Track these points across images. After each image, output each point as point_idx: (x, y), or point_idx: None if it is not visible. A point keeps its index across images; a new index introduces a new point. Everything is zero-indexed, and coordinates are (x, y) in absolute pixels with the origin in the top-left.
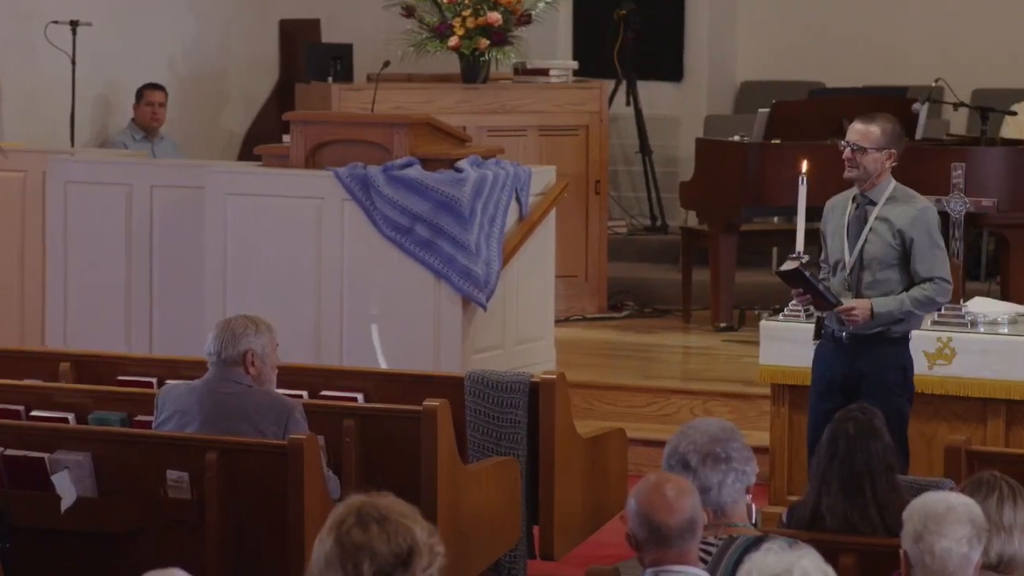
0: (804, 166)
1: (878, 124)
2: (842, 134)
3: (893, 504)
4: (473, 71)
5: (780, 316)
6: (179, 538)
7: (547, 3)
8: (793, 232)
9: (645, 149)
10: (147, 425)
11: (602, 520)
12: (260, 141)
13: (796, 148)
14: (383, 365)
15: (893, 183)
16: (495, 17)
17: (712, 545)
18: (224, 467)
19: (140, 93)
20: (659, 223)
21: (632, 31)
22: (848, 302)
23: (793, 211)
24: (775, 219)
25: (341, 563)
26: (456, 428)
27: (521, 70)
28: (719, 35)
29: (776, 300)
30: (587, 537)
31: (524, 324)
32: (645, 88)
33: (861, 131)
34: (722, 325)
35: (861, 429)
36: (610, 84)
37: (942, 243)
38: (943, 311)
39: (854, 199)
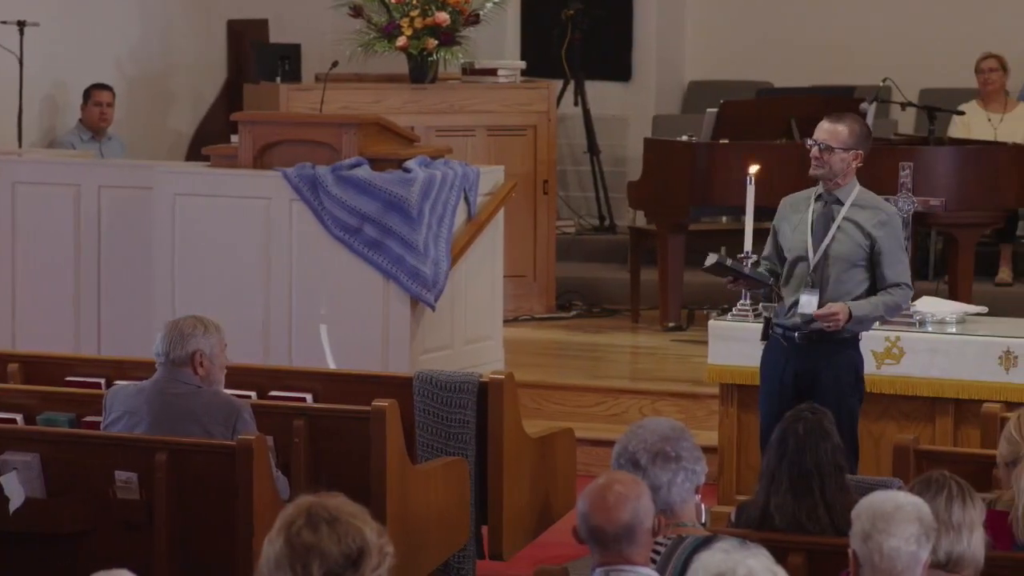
0: (752, 166)
1: (846, 124)
2: (790, 134)
3: (842, 504)
4: (421, 71)
5: (728, 316)
6: (128, 539)
7: (495, 3)
8: (741, 232)
9: (593, 149)
10: (96, 426)
11: (551, 520)
12: (208, 141)
13: (744, 148)
14: (332, 365)
15: (859, 186)
16: (443, 17)
17: (661, 545)
18: (173, 468)
19: (88, 93)
20: (607, 223)
21: (580, 31)
22: (828, 306)
23: (741, 211)
24: (723, 219)
25: (291, 564)
26: (405, 428)
27: (469, 70)
28: (667, 35)
29: (724, 300)
30: (536, 537)
31: (473, 324)
32: (593, 88)
33: (829, 130)
34: (671, 325)
35: (811, 429)
36: (558, 84)
37: (904, 249)
38: None
39: (819, 197)
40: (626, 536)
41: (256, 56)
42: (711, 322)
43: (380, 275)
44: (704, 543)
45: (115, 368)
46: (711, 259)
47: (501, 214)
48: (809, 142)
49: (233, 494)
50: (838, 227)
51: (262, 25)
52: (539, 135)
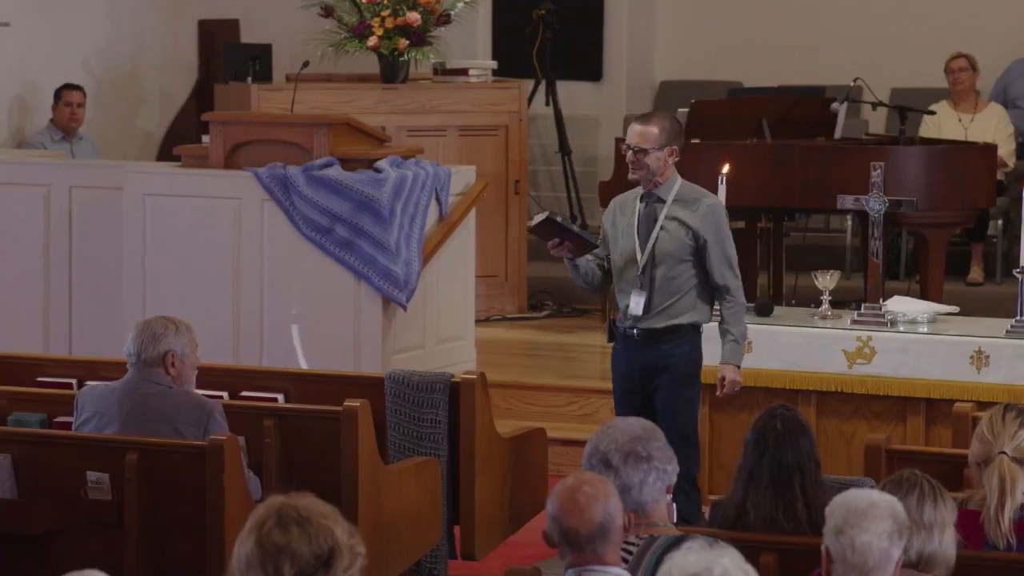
0: (724, 166)
1: (655, 123)
2: (761, 133)
3: (819, 500)
4: (392, 71)
5: None
6: (99, 539)
7: (466, 3)
8: None
9: (565, 149)
10: (67, 426)
11: (523, 520)
12: (179, 141)
13: (715, 147)
14: (303, 365)
15: (679, 180)
16: (414, 17)
17: (633, 544)
18: (144, 468)
19: (58, 93)
20: (579, 223)
21: (551, 31)
22: (722, 375)
23: None
24: None
25: (262, 564)
26: (377, 428)
27: (440, 70)
28: (638, 35)
29: None
30: (508, 537)
31: (444, 324)
32: (564, 88)
33: (640, 132)
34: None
35: (789, 425)
36: (529, 84)
37: (730, 238)
38: (863, 310)
39: (642, 198)
40: (600, 536)
41: (227, 56)
42: None
43: (352, 275)
44: (675, 543)
45: (86, 368)
46: (539, 217)
47: (473, 214)
48: (623, 147)
49: (204, 494)
50: (661, 226)
51: (233, 25)
52: (511, 135)
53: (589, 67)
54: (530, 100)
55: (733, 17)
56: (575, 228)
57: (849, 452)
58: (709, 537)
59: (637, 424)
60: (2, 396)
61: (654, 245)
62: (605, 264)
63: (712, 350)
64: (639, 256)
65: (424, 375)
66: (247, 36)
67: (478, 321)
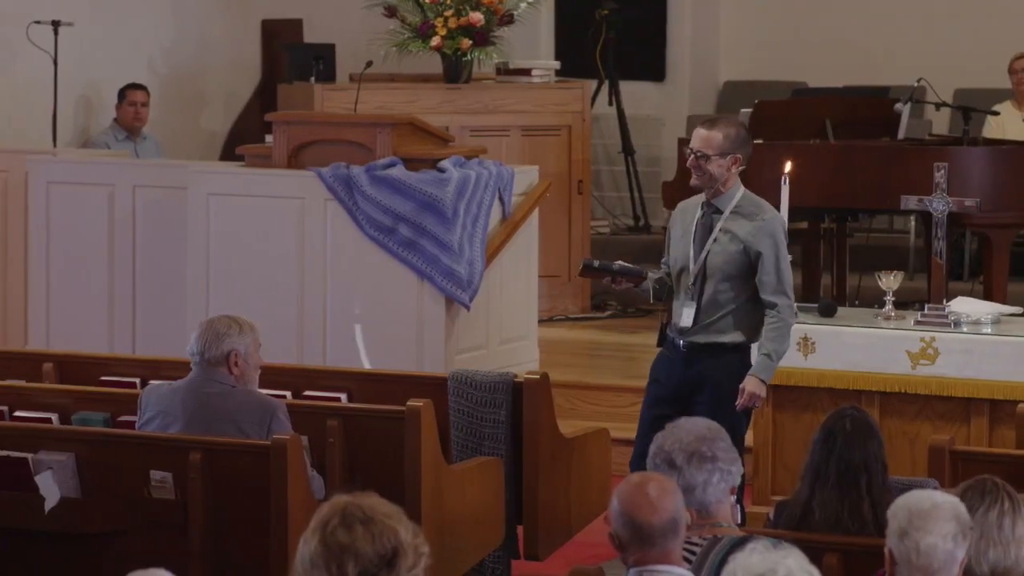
0: (787, 166)
1: (720, 129)
2: (824, 134)
3: (885, 502)
4: (455, 71)
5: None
6: (162, 539)
7: (529, 3)
8: None
9: (628, 149)
10: (130, 425)
11: (586, 520)
12: (242, 141)
13: (779, 148)
14: (366, 365)
15: (741, 191)
16: (477, 17)
17: (696, 545)
18: (207, 467)
19: (122, 93)
20: (642, 223)
21: (614, 31)
22: (743, 386)
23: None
24: None
25: (326, 564)
26: (440, 428)
27: (503, 70)
28: (702, 35)
29: None
30: (571, 537)
31: (507, 324)
32: (627, 88)
33: (703, 137)
34: None
35: (858, 426)
36: (592, 84)
37: (786, 256)
38: (927, 310)
39: (703, 205)
40: (671, 531)
41: (290, 56)
42: None
43: (415, 275)
44: (739, 544)
45: (150, 368)
46: (581, 265)
47: (536, 214)
48: (686, 151)
49: (267, 494)
50: (714, 238)
51: (296, 25)
52: (574, 135)
53: (652, 67)
54: (593, 100)
55: (797, 17)
56: (615, 266)
57: (913, 453)
58: (773, 538)
59: (702, 424)
60: (66, 395)
61: (706, 257)
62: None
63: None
64: (691, 266)
65: (487, 375)
66: (310, 36)
67: (541, 321)
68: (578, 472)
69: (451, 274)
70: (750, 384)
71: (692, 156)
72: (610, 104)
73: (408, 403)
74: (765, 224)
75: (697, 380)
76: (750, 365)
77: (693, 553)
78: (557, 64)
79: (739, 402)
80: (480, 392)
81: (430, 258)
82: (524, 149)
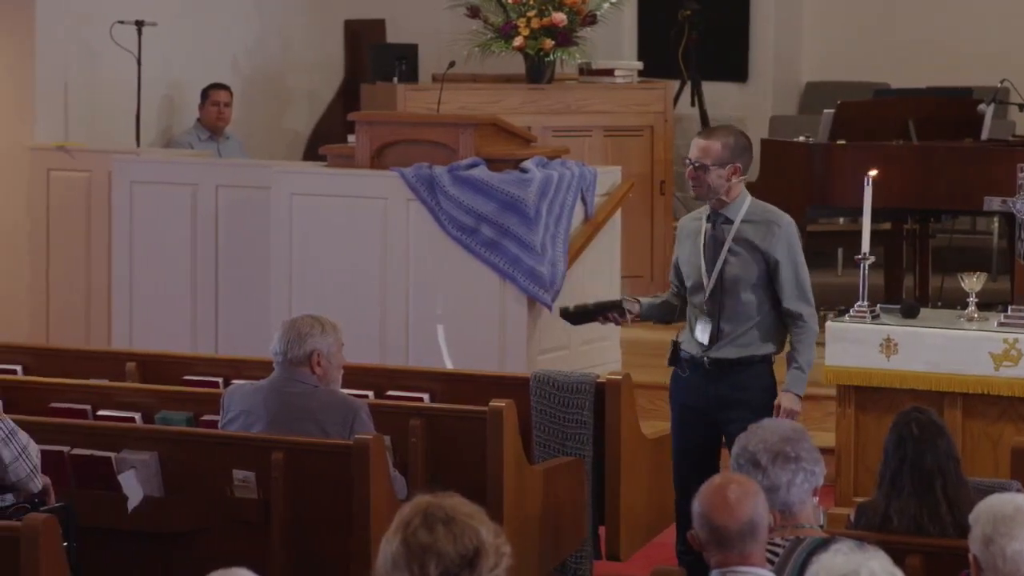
0: (871, 168)
1: (717, 139)
2: (907, 135)
3: (962, 500)
4: (538, 71)
5: (846, 317)
6: (245, 538)
7: (612, 3)
8: (858, 233)
9: None
10: (213, 425)
11: (668, 520)
12: (325, 141)
13: (861, 149)
14: (449, 365)
15: (749, 199)
16: (560, 17)
17: (779, 546)
18: (290, 467)
19: (205, 93)
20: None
21: (697, 31)
22: (778, 403)
23: (858, 212)
24: (840, 220)
25: (407, 563)
26: (522, 428)
27: (586, 70)
28: (784, 35)
29: (842, 301)
30: (653, 537)
31: (590, 325)
32: (710, 89)
33: (701, 147)
34: None
35: (925, 427)
36: (675, 84)
37: (804, 262)
38: (1010, 312)
39: (708, 218)
40: (749, 534)
41: (373, 56)
42: (828, 323)
43: (497, 275)
44: (822, 545)
45: (232, 367)
46: (559, 313)
47: (618, 214)
48: (685, 162)
49: (350, 493)
50: (728, 249)
51: (379, 25)
52: (656, 135)
53: (735, 68)
54: (675, 101)
55: (880, 18)
56: (591, 305)
57: (996, 455)
58: (856, 540)
59: (787, 425)
60: (150, 395)
61: (721, 270)
62: (682, 292)
63: (844, 348)
64: (706, 282)
65: (569, 375)
66: (393, 36)
67: None
68: (660, 472)
69: (533, 274)
70: (786, 400)
71: (690, 167)
72: (692, 105)
73: (490, 403)
74: (781, 231)
75: (727, 397)
76: (774, 376)
77: (776, 554)
78: (640, 64)
79: (776, 419)
80: (562, 393)
81: (512, 258)
82: (606, 149)
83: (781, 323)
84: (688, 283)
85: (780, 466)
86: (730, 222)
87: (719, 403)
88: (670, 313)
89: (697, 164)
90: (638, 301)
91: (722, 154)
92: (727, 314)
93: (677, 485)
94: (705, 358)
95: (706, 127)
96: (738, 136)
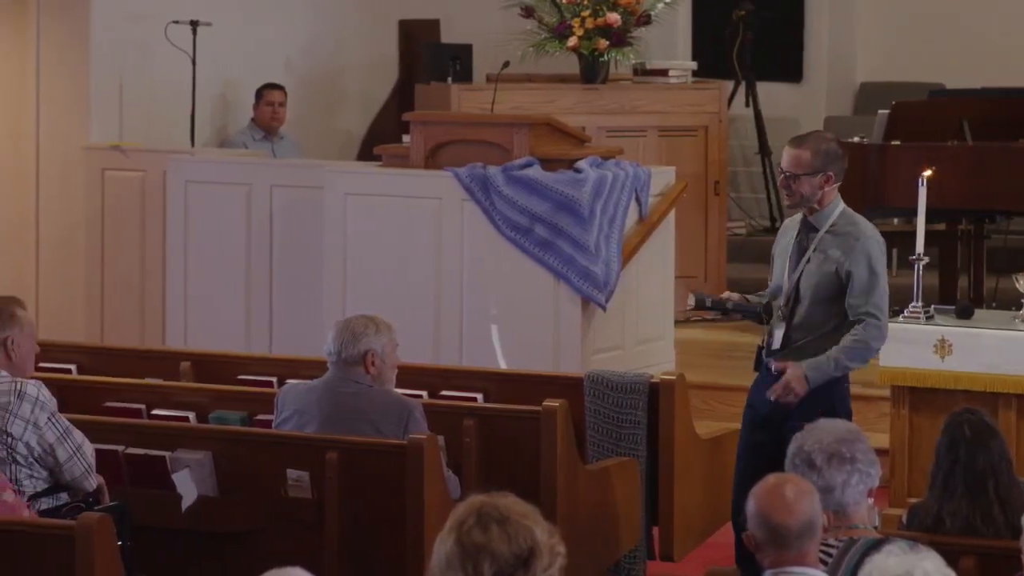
0: (925, 168)
1: (808, 147)
2: (962, 135)
3: (1015, 500)
4: (592, 71)
5: (900, 318)
6: (299, 537)
7: (666, 4)
8: (913, 233)
9: (764, 150)
10: (267, 424)
11: (721, 521)
12: (380, 141)
13: (916, 149)
14: (503, 365)
15: (840, 208)
16: (614, 18)
17: (832, 547)
18: (344, 467)
19: (260, 93)
20: (778, 224)
21: (751, 32)
22: (783, 381)
23: (913, 212)
24: (895, 220)
25: (461, 563)
26: (576, 428)
27: (640, 71)
28: (839, 36)
29: (896, 302)
30: (707, 538)
31: (644, 325)
32: (764, 89)
33: (792, 156)
34: None
35: (977, 429)
36: (729, 85)
37: (883, 277)
38: None
39: (801, 223)
40: (808, 532)
41: (427, 56)
42: None
43: (551, 275)
44: (875, 546)
45: (286, 367)
46: (691, 301)
47: (672, 215)
48: (777, 170)
49: (404, 493)
50: (807, 259)
51: (433, 25)
52: (710, 136)
53: (789, 68)
54: (730, 101)
55: (935, 18)
56: (729, 304)
57: None
58: (909, 540)
59: (842, 426)
60: (204, 394)
61: (799, 278)
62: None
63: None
64: (786, 285)
65: (623, 376)
66: (447, 36)
67: (677, 322)
68: (714, 473)
69: (587, 274)
70: (791, 371)
71: (783, 176)
72: (747, 105)
73: (544, 403)
74: (859, 244)
75: (787, 408)
76: (843, 391)
77: (829, 555)
78: (694, 65)
79: (772, 390)
80: (616, 393)
81: (566, 258)
82: (661, 150)
83: None
84: (775, 286)
85: (836, 467)
86: (816, 231)
87: (781, 411)
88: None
89: (789, 173)
90: (768, 305)
91: (813, 162)
92: (797, 322)
93: (735, 486)
94: (773, 365)
95: (760, 130)
96: (829, 143)
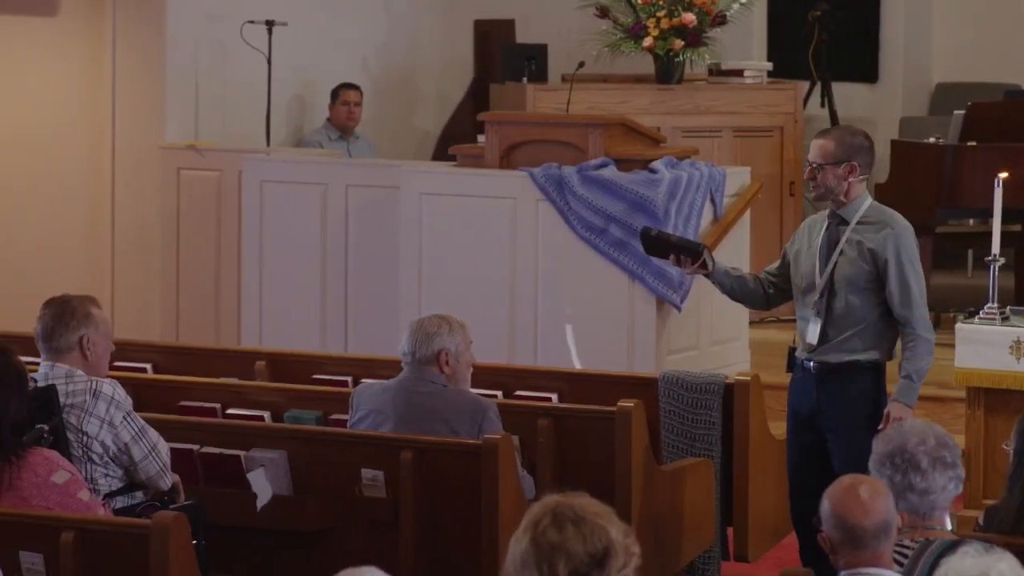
0: (1001, 169)
1: (832, 137)
2: None
3: None
4: (667, 72)
5: (976, 319)
6: (373, 537)
7: (741, 4)
8: (988, 234)
9: None
10: (342, 424)
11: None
12: (455, 141)
13: (992, 150)
14: (577, 365)
15: (868, 201)
16: (690, 18)
17: (908, 548)
18: (419, 466)
19: (336, 93)
20: None
21: (827, 32)
22: (887, 411)
23: (989, 213)
24: (971, 221)
25: (537, 563)
26: (650, 428)
27: (715, 71)
28: (914, 36)
29: (972, 303)
30: (781, 539)
31: (718, 325)
32: (840, 89)
33: (817, 146)
34: None
35: None
36: (804, 85)
37: (918, 267)
38: None
39: (828, 217)
40: (884, 532)
41: (502, 56)
42: (958, 325)
43: (626, 275)
44: (950, 547)
45: (362, 366)
46: (640, 233)
47: (747, 215)
48: (804, 162)
49: (479, 493)
50: (840, 250)
51: (508, 25)
52: (786, 136)
53: (865, 68)
54: (805, 101)
55: (1011, 18)
56: (673, 237)
57: None
58: (985, 542)
59: (939, 430)
60: (279, 393)
61: (833, 270)
62: (770, 281)
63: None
64: (818, 281)
65: (698, 376)
66: (522, 36)
67: (752, 323)
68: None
69: (662, 275)
70: (895, 410)
71: (808, 168)
72: (822, 106)
73: (619, 403)
74: (893, 233)
75: (830, 406)
76: (883, 386)
77: (905, 556)
78: (769, 65)
79: (882, 427)
80: (691, 393)
81: (641, 259)
82: (736, 150)
83: (890, 330)
84: (801, 282)
85: (939, 471)
86: (846, 223)
87: (821, 412)
88: (742, 287)
89: (814, 164)
90: (716, 263)
91: (836, 152)
92: (834, 317)
93: (790, 490)
94: (811, 362)
95: (825, 129)
96: (854, 134)
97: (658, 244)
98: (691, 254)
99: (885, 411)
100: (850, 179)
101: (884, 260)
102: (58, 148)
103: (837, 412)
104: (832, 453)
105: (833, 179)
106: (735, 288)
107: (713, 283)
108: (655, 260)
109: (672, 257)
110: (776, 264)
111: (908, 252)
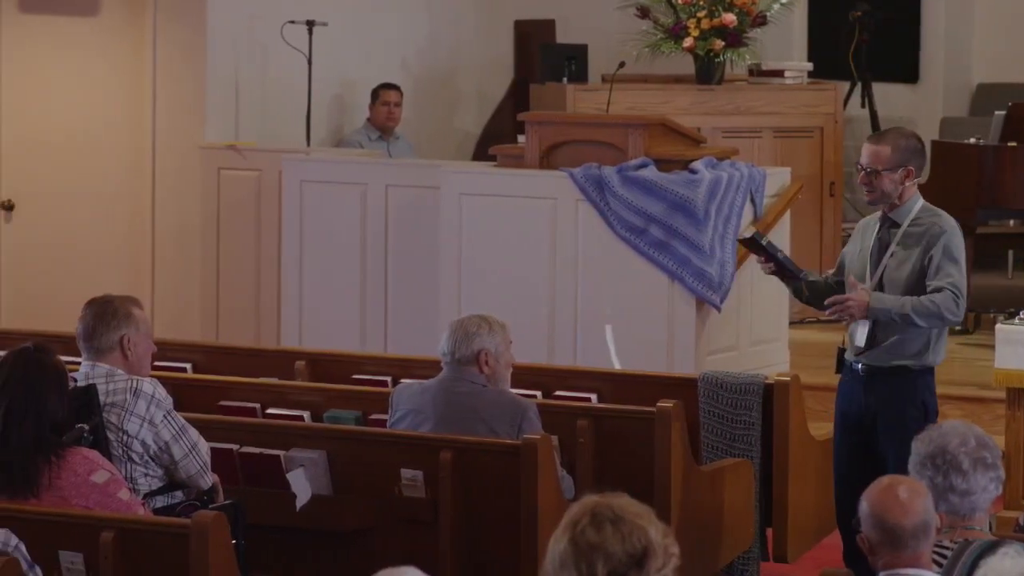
0: None
1: (888, 143)
2: None
3: None
4: (708, 72)
5: (1016, 320)
6: (413, 537)
7: (782, 4)
8: None
9: None
10: (381, 424)
11: (836, 523)
12: (495, 141)
13: None
14: (617, 365)
15: (920, 203)
16: (730, 18)
17: (947, 548)
18: (458, 466)
19: (376, 93)
20: None
21: (867, 32)
22: (847, 295)
23: None
24: (1011, 222)
25: (575, 563)
26: (690, 429)
27: (756, 71)
28: (955, 37)
29: (1012, 304)
30: (820, 540)
31: (758, 326)
32: (880, 90)
33: (871, 152)
34: (957, 328)
35: None
36: (845, 86)
37: (962, 262)
38: None
39: (880, 219)
40: (923, 532)
41: (543, 56)
42: (998, 326)
43: (666, 276)
44: (990, 548)
45: (401, 366)
46: (747, 232)
47: (787, 216)
48: (857, 167)
49: (518, 493)
50: (891, 253)
51: (549, 25)
52: (826, 137)
53: (905, 69)
54: (846, 102)
55: None
56: (780, 255)
57: None
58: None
59: (978, 431)
60: (319, 393)
61: (883, 272)
62: (833, 285)
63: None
64: (868, 283)
65: (738, 377)
66: (563, 37)
67: (792, 323)
68: (828, 474)
69: (702, 275)
70: (857, 296)
71: (862, 173)
72: (863, 106)
73: (658, 404)
74: (944, 236)
75: (878, 408)
76: (933, 390)
77: (944, 556)
78: (810, 66)
79: (831, 299)
80: (731, 394)
81: (681, 259)
82: (776, 151)
83: (940, 334)
84: (832, 273)
85: (981, 472)
86: (897, 226)
87: (870, 415)
88: (813, 292)
89: (869, 169)
90: (815, 282)
91: (893, 158)
92: (883, 320)
93: (836, 492)
94: (860, 364)
95: (876, 130)
96: (909, 138)
97: (758, 248)
98: (787, 279)
99: (855, 282)
100: (906, 183)
101: (931, 256)
102: (98, 148)
103: (886, 416)
104: (886, 457)
105: (889, 184)
106: (810, 297)
107: (790, 290)
108: (702, 264)
109: (762, 257)
110: (835, 269)
111: (955, 251)
